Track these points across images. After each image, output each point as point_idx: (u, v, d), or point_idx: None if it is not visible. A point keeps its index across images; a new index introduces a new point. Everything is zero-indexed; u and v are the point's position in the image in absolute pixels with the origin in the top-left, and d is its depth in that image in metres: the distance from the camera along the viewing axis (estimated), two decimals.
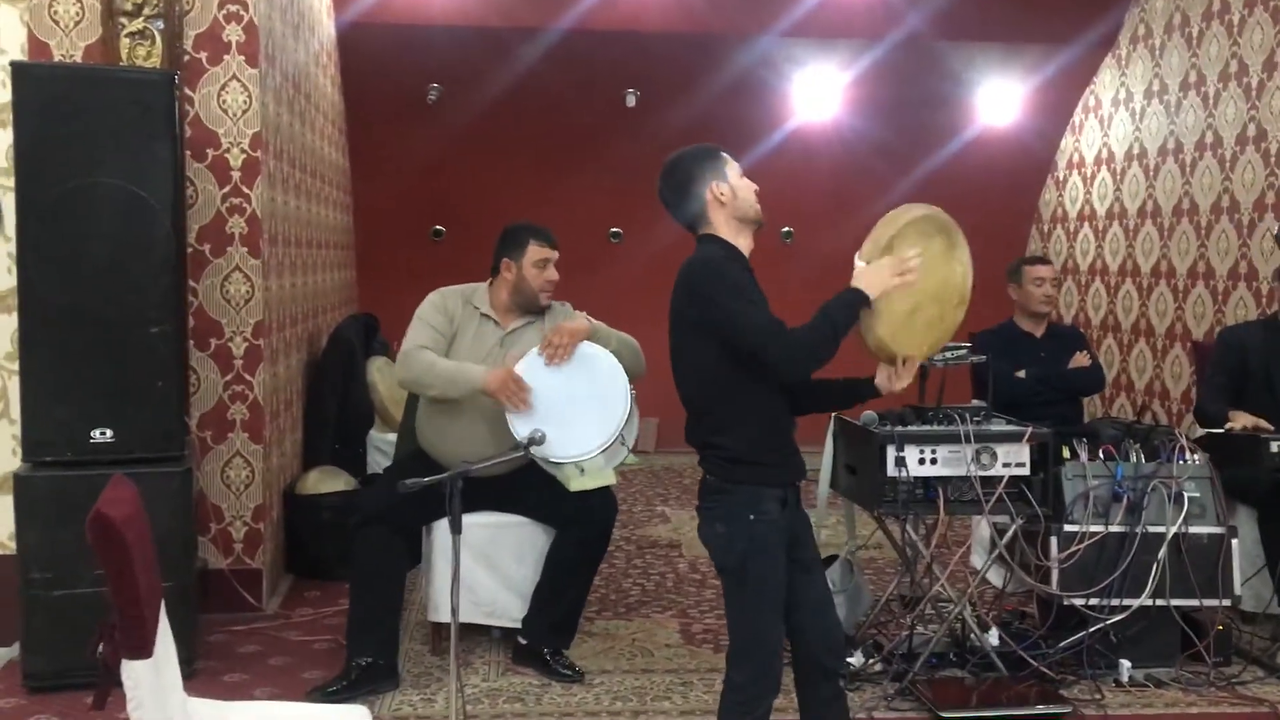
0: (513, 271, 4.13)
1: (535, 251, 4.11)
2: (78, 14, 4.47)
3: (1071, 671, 4.11)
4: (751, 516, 2.88)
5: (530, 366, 3.89)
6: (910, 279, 2.88)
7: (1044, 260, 5.39)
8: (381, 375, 6.27)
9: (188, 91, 4.60)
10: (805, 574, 3.00)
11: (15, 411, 4.16)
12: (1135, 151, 7.42)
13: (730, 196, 2.96)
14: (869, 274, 2.89)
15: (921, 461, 3.99)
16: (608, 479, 4.00)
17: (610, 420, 3.83)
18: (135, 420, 3.93)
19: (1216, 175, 6.51)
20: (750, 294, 2.86)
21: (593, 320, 4.09)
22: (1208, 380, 4.94)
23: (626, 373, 3.97)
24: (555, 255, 4.16)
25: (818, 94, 8.01)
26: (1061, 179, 8.47)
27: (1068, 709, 3.84)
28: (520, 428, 3.79)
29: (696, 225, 3.04)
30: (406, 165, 7.97)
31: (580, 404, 3.83)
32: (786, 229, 8.58)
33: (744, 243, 2.99)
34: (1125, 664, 4.11)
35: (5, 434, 4.41)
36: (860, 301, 2.87)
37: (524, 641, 4.19)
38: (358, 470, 5.83)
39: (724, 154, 3.01)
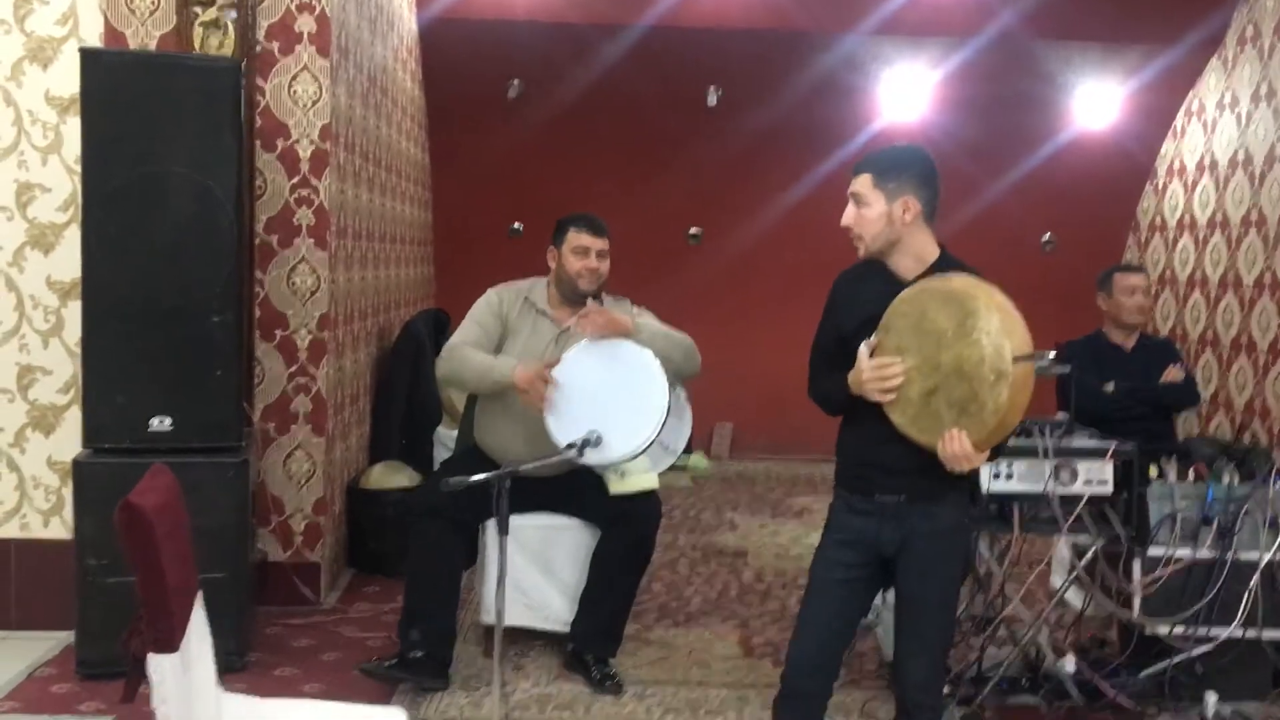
0: (555, 260, 4.08)
1: (574, 238, 4.04)
2: (153, 4, 4.49)
3: (1153, 704, 3.88)
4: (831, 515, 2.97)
5: (570, 365, 3.78)
6: (888, 398, 2.71)
7: (1137, 269, 5.13)
8: (444, 382, 6.23)
9: (259, 82, 4.60)
10: (900, 603, 2.93)
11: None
12: (1240, 158, 7.06)
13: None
14: (855, 371, 2.77)
15: (996, 476, 3.79)
16: (649, 483, 3.88)
17: (647, 424, 3.67)
18: (193, 409, 3.92)
19: None
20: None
21: (643, 317, 3.97)
22: None
23: (675, 373, 3.84)
24: (599, 244, 4.05)
25: (906, 93, 7.78)
26: (1161, 185, 8.12)
27: None
28: (555, 426, 3.68)
29: None
30: (486, 162, 7.94)
31: (618, 406, 3.69)
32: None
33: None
34: (1211, 698, 3.86)
35: (76, 421, 4.44)
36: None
37: (570, 647, 4.10)
38: (424, 466, 5.79)
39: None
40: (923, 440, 2.71)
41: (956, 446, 2.64)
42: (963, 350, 2.63)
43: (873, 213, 2.80)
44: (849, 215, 2.84)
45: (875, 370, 2.71)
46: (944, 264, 2.82)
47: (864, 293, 2.81)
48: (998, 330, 2.60)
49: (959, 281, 2.71)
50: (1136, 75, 7.66)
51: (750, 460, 8.38)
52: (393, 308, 6.46)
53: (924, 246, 2.83)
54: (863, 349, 2.77)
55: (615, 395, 3.69)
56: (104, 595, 3.83)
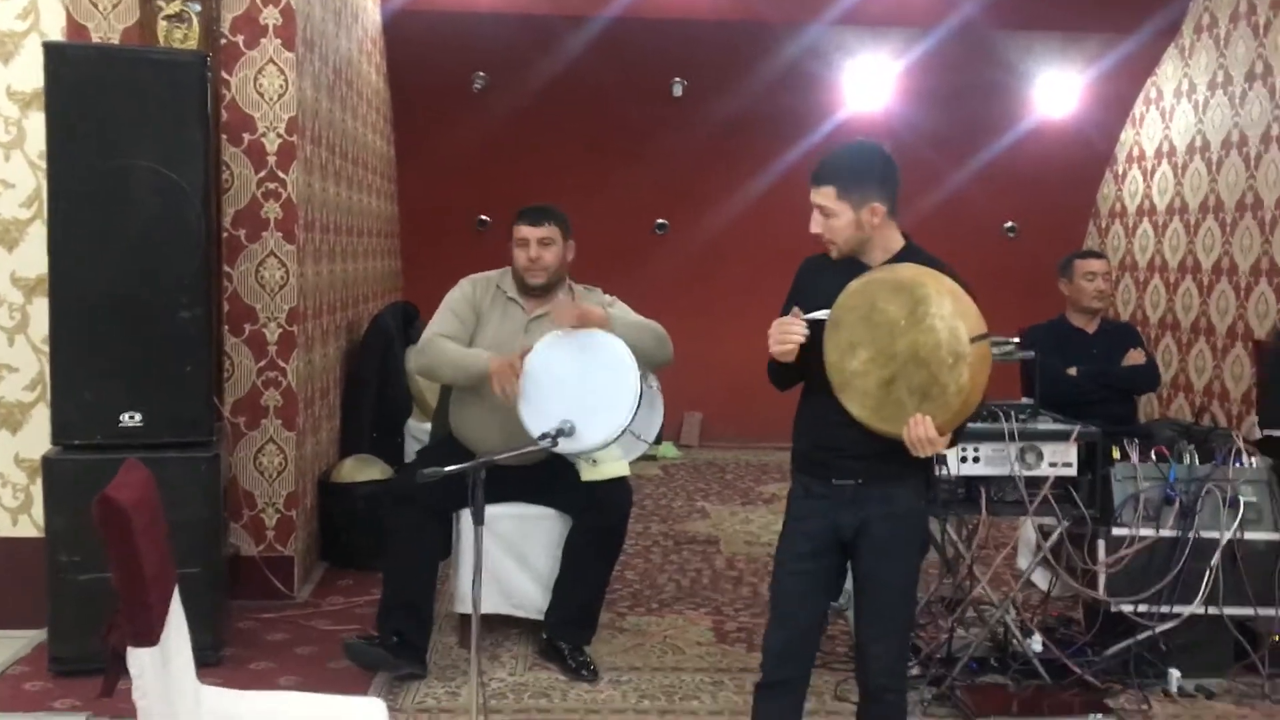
0: (511, 255, 4.12)
1: (515, 232, 4.09)
2: None
3: (1118, 680, 3.96)
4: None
5: (543, 354, 3.80)
6: (781, 349, 2.78)
7: (1097, 255, 5.22)
8: (420, 376, 6.23)
9: (224, 75, 4.58)
10: (859, 587, 2.95)
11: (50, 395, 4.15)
12: (1198, 145, 7.18)
13: None
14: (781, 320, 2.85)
15: (964, 460, 3.86)
16: (621, 470, 3.91)
17: (619, 413, 3.68)
18: (163, 404, 3.90)
19: None
20: None
21: (615, 306, 4.00)
22: (1269, 385, 4.76)
23: (648, 361, 3.87)
24: (537, 233, 4.04)
25: (869, 84, 7.84)
26: (1120, 173, 8.24)
27: (1113, 719, 3.69)
28: (528, 416, 3.70)
29: None
30: (452, 154, 7.93)
31: (590, 395, 3.70)
32: None
33: None
34: (1175, 674, 3.95)
35: (43, 418, 4.41)
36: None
37: (545, 635, 4.13)
38: (395, 459, 5.79)
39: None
40: (887, 430, 2.74)
41: (922, 431, 2.68)
42: (917, 337, 2.66)
43: (840, 222, 2.83)
44: (818, 224, 2.87)
45: (782, 328, 2.77)
46: (909, 253, 2.86)
47: (828, 279, 2.83)
48: (951, 313, 2.64)
49: (906, 270, 2.75)
50: (1096, 64, 7.76)
51: (719, 449, 8.43)
52: (361, 301, 6.44)
53: (890, 239, 2.87)
54: (794, 312, 2.81)
55: (588, 384, 3.71)
56: (76, 592, 3.82)
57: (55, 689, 3.78)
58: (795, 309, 2.82)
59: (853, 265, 2.86)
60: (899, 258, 2.84)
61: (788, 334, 2.77)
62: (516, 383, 3.73)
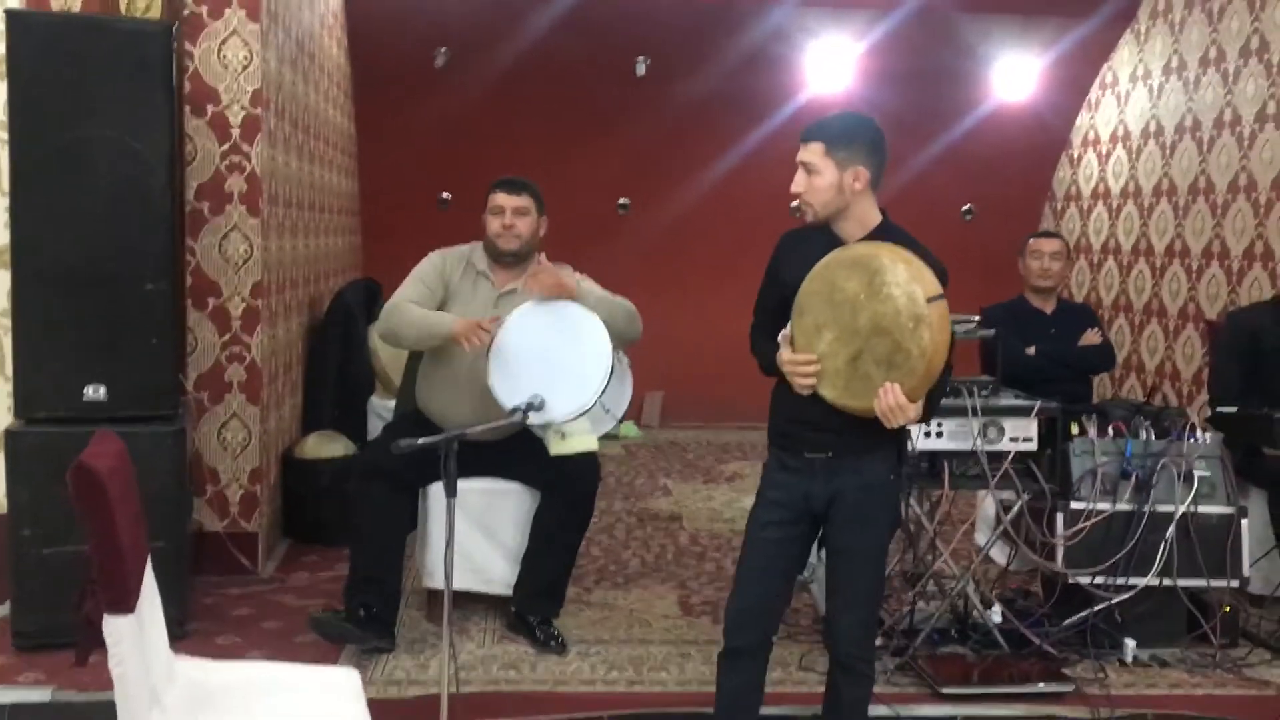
0: (484, 226, 4.13)
1: (491, 200, 4.11)
2: None
3: (1075, 650, 4.05)
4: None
5: (516, 323, 3.81)
6: (809, 382, 2.82)
7: (1051, 235, 5.31)
8: (382, 341, 6.19)
9: (187, 46, 4.53)
10: (831, 559, 3.00)
11: (11, 368, 4.10)
12: (1152, 129, 7.30)
13: None
14: (782, 351, 2.89)
15: (927, 435, 3.93)
16: (589, 444, 3.94)
17: (589, 386, 3.72)
18: (128, 378, 3.87)
19: (1234, 154, 6.40)
20: None
21: (585, 283, 4.02)
22: (1219, 365, 4.87)
23: (618, 337, 3.90)
24: (514, 202, 4.08)
25: (831, 65, 7.88)
26: (1076, 156, 8.36)
27: (1070, 687, 3.78)
28: (500, 389, 3.71)
29: None
30: (413, 131, 7.88)
31: (561, 367, 3.74)
32: (796, 203, 8.47)
33: None
34: (1130, 643, 4.05)
35: (4, 391, 4.36)
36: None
37: (514, 609, 4.15)
38: (358, 435, 5.77)
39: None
40: (858, 406, 2.79)
41: (891, 399, 2.73)
42: (877, 308, 2.73)
43: (823, 181, 2.86)
44: (799, 182, 2.91)
45: (791, 366, 2.83)
46: (885, 229, 2.90)
47: (808, 251, 2.87)
48: (906, 279, 2.71)
49: (859, 247, 2.82)
50: (1053, 48, 7.85)
51: (680, 428, 8.47)
52: (322, 278, 6.40)
53: (867, 212, 2.91)
54: (781, 337, 2.87)
55: (560, 354, 3.74)
56: (39, 566, 3.79)
57: (19, 664, 3.75)
58: (784, 333, 2.87)
59: (830, 239, 2.89)
60: (875, 233, 2.88)
61: (806, 372, 2.82)
62: (487, 336, 3.74)
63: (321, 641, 3.97)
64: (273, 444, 5.04)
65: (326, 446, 5.35)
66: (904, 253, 2.78)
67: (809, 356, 2.81)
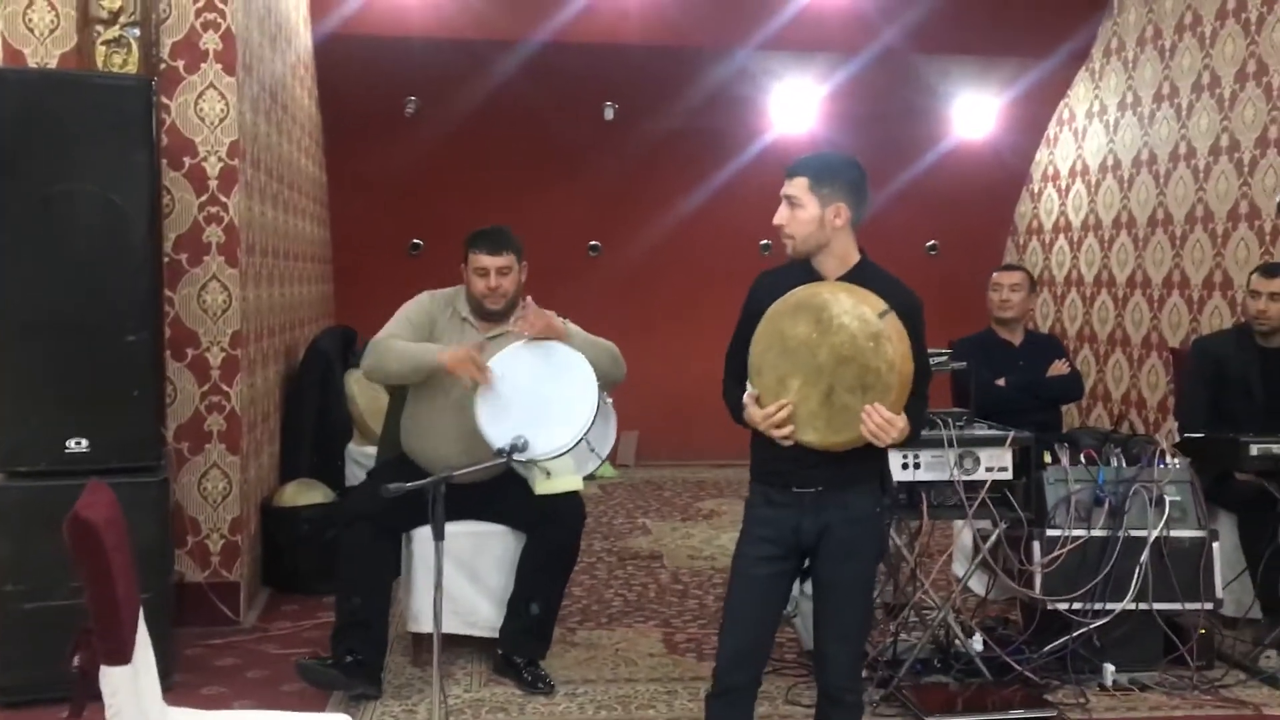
0: (464, 278, 4.15)
1: (473, 259, 4.10)
2: (53, 21, 4.43)
3: (1055, 676, 4.11)
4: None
5: (505, 361, 3.85)
6: (787, 430, 2.86)
7: (1012, 268, 5.41)
8: (360, 388, 6.22)
9: (164, 99, 4.57)
10: (819, 592, 3.03)
11: None
12: (1109, 163, 7.48)
13: None
14: (748, 413, 2.94)
15: (905, 466, 3.99)
16: (574, 484, 3.97)
17: (576, 424, 3.76)
18: (111, 430, 3.87)
19: (1190, 186, 6.57)
20: None
21: (570, 325, 4.07)
22: (1186, 392, 4.98)
23: (604, 378, 3.94)
24: (498, 262, 4.06)
25: (795, 107, 8.04)
26: (1036, 191, 8.53)
27: (1052, 713, 3.83)
28: (489, 428, 3.75)
29: None
30: (384, 179, 7.94)
31: (547, 405, 3.77)
32: (765, 241, 8.58)
33: None
34: (1109, 668, 4.11)
35: None
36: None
37: (500, 651, 4.16)
38: (336, 483, 5.78)
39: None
40: (846, 439, 2.84)
41: (877, 418, 2.78)
42: (833, 340, 2.79)
43: (806, 215, 2.93)
44: (782, 215, 2.98)
45: (765, 423, 2.88)
46: (864, 269, 2.97)
47: (788, 288, 2.93)
48: (852, 305, 2.79)
49: (795, 293, 2.89)
50: (1011, 87, 8.04)
51: (656, 467, 8.51)
52: (297, 325, 6.42)
53: (848, 250, 2.98)
54: (747, 399, 2.92)
55: (548, 392, 3.78)
56: (23, 622, 3.76)
57: None
58: (749, 391, 2.92)
59: (810, 275, 2.96)
60: (854, 271, 2.95)
61: (781, 422, 2.85)
62: (482, 375, 3.77)
63: (308, 691, 3.96)
64: (253, 493, 5.04)
65: (305, 494, 5.35)
66: (840, 284, 2.88)
67: (780, 402, 2.85)
